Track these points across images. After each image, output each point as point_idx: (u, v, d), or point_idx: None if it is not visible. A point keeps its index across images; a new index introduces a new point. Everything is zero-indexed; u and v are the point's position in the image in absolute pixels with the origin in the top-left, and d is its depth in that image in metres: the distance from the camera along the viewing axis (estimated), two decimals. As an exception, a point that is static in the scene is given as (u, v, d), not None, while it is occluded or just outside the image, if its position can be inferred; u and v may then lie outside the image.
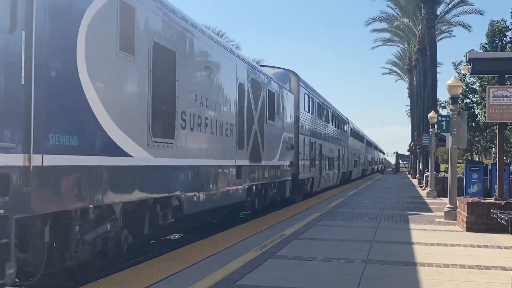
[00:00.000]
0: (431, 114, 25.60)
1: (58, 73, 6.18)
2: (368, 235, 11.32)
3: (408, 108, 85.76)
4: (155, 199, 8.77)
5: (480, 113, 40.97)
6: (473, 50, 33.35)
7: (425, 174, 32.17)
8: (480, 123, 41.30)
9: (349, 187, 33.51)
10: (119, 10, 7.47)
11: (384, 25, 56.42)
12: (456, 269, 8.00)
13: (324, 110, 28.21)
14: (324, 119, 28.13)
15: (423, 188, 31.29)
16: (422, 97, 46.89)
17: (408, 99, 76.30)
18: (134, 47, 7.91)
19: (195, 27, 10.50)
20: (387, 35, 62.56)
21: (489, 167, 20.89)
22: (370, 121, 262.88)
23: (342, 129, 36.64)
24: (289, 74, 21.11)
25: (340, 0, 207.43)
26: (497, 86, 13.25)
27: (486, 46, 40.20)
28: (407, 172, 77.70)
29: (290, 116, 19.13)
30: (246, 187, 13.89)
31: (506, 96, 12.72)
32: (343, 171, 36.03)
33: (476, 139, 48.31)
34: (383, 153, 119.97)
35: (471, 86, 44.59)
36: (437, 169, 29.49)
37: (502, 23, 40.36)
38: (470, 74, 16.51)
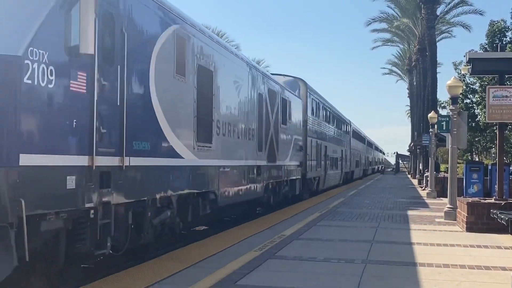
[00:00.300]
0: (431, 114, 25.60)
1: (139, 95, 8.07)
2: (368, 235, 11.32)
3: (408, 108, 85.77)
4: (198, 193, 10.61)
5: (480, 113, 40.94)
6: (473, 50, 33.38)
7: (425, 174, 32.18)
8: (480, 123, 41.28)
9: (351, 186, 33.63)
10: (175, 41, 9.35)
11: (384, 25, 56.46)
12: (456, 269, 8.00)
13: (328, 114, 29.80)
14: (328, 122, 29.75)
15: (423, 188, 31.30)
16: (422, 97, 46.90)
17: (408, 99, 76.34)
18: (185, 70, 9.79)
19: (226, 49, 12.78)
20: (387, 35, 62.61)
21: (489, 167, 20.89)
22: (370, 121, 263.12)
23: (344, 130, 38.16)
24: (298, 81, 22.99)
25: (340, 0, 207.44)
26: (497, 86, 13.25)
27: (486, 46, 40.17)
28: (407, 172, 77.74)
29: (299, 120, 21.03)
30: (264, 184, 15.65)
31: (506, 96, 12.72)
32: (345, 171, 37.51)
33: (476, 139, 48.30)
34: (383, 154, 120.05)
35: (471, 86, 44.57)
36: (437, 169, 29.49)
37: (502, 23, 40.33)
38: (470, 74, 16.52)
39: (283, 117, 17.84)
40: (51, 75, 6.14)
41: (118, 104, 7.36)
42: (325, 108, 28.64)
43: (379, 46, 65.37)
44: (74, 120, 6.51)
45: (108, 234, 7.26)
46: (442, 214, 15.04)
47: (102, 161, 6.99)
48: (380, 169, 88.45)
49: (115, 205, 7.36)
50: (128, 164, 7.57)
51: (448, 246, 10.17)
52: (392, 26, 54.98)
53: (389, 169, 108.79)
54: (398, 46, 69.50)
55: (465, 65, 27.22)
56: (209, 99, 11.08)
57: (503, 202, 12.16)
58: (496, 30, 39.93)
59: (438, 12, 43.84)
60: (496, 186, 13.88)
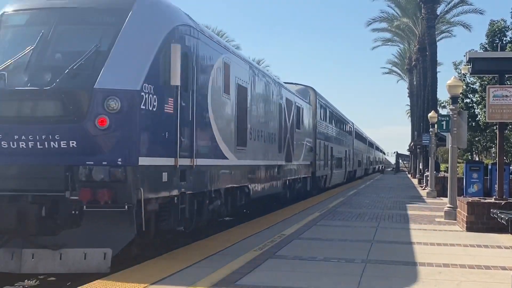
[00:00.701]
0: (431, 114, 25.59)
1: (202, 112, 10.40)
2: (368, 235, 11.32)
3: (408, 108, 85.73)
4: (237, 186, 13.02)
5: (480, 113, 40.94)
6: (473, 50, 33.36)
7: (425, 174, 32.16)
8: (480, 123, 41.28)
9: (352, 185, 33.65)
10: (223, 68, 11.68)
11: (384, 24, 56.42)
12: (456, 269, 8.00)
13: (334, 117, 32.19)
14: (334, 125, 32.11)
15: (423, 188, 31.30)
16: (422, 97, 46.88)
17: (408, 98, 76.32)
18: (229, 89, 12.14)
19: (257, 69, 15.48)
20: (387, 35, 62.56)
21: (489, 167, 20.89)
22: (370, 120, 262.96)
23: (348, 132, 40.35)
24: (308, 89, 25.31)
25: (340, 0, 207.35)
26: (497, 86, 13.24)
27: (486, 46, 40.16)
28: (407, 172, 77.74)
29: (310, 124, 23.54)
30: (282, 181, 18.08)
31: (506, 96, 12.72)
32: (349, 170, 39.80)
33: (476, 139, 48.29)
34: (384, 153, 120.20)
35: (471, 86, 44.57)
36: (437, 169, 29.47)
37: (502, 23, 40.31)
38: (470, 74, 16.53)
39: (297, 122, 20.26)
40: (155, 101, 8.63)
41: (190, 119, 9.74)
42: (331, 112, 30.88)
43: (379, 46, 65.34)
44: (167, 133, 8.98)
45: (183, 215, 9.69)
46: (442, 213, 15.04)
47: (182, 161, 9.35)
48: (380, 168, 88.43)
49: (188, 194, 9.77)
50: (196, 164, 9.96)
51: (448, 246, 10.17)
52: (392, 25, 54.97)
53: (389, 169, 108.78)
54: (398, 46, 69.49)
55: (465, 65, 27.23)
56: (244, 110, 13.47)
57: (503, 202, 12.15)
58: (496, 29, 39.92)
59: (438, 12, 43.80)
60: (496, 186, 13.88)
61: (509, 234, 11.14)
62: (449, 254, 9.22)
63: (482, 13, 45.74)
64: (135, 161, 8.17)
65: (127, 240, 8.11)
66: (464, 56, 34.31)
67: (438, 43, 44.22)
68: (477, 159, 55.36)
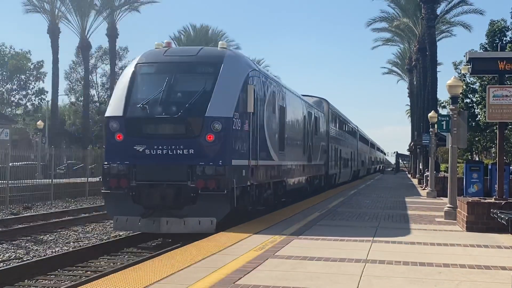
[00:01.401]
0: (431, 114, 25.57)
1: (261, 128, 14.59)
2: (368, 235, 11.32)
3: (408, 108, 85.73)
4: (278, 181, 17.22)
5: (480, 113, 40.89)
6: (473, 50, 33.33)
7: (425, 174, 32.15)
8: (480, 123, 41.23)
9: (356, 183, 33.76)
10: (272, 94, 16.18)
11: (384, 24, 56.44)
12: (456, 268, 7.99)
13: (342, 123, 36.84)
14: (342, 130, 36.71)
15: (423, 188, 31.29)
16: (422, 97, 46.88)
17: (408, 98, 76.30)
18: (275, 109, 16.58)
19: (290, 91, 19.53)
20: (387, 35, 62.59)
21: (489, 167, 20.87)
22: (370, 120, 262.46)
23: (353, 135, 44.43)
24: (323, 101, 29.73)
25: (340, 0, 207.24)
26: (497, 86, 13.23)
27: (486, 46, 40.13)
28: (407, 172, 77.71)
29: (324, 130, 27.89)
30: (305, 177, 22.34)
31: (506, 96, 12.71)
32: (354, 169, 44.43)
33: (476, 138, 48.21)
34: (384, 154, 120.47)
35: (471, 86, 44.54)
36: (437, 169, 29.47)
37: (502, 23, 40.26)
38: (470, 74, 16.50)
39: (315, 129, 24.56)
40: (239, 123, 13.07)
41: (255, 135, 14.04)
42: (340, 119, 35.74)
43: (379, 45, 65.38)
44: (245, 144, 13.46)
45: (252, 199, 14.19)
46: (442, 213, 15.04)
47: (251, 162, 13.76)
48: (380, 168, 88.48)
49: (254, 185, 14.12)
50: (258, 164, 14.25)
51: (448, 246, 10.17)
52: (392, 25, 54.98)
53: (389, 169, 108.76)
54: (399, 46, 69.51)
55: (465, 65, 27.19)
56: (283, 124, 17.62)
57: (503, 202, 12.15)
58: (496, 29, 39.87)
59: (438, 12, 43.84)
60: (496, 186, 13.87)
61: (509, 234, 11.14)
62: (449, 254, 9.21)
63: (482, 13, 45.80)
64: (230, 162, 12.72)
65: (225, 212, 12.58)
66: (464, 56, 34.29)
67: (438, 43, 44.28)
68: (477, 159, 55.31)
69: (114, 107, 13.32)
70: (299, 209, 16.36)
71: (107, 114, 13.54)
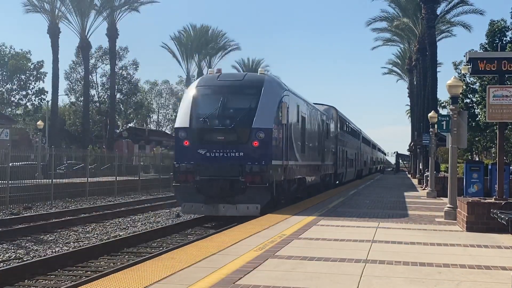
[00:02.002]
0: (431, 114, 25.56)
1: (290, 136, 18.76)
2: (368, 235, 11.32)
3: (408, 108, 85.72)
4: (301, 177, 21.21)
5: (480, 113, 40.88)
6: (473, 50, 33.30)
7: (425, 174, 32.14)
8: (480, 123, 41.22)
9: (356, 184, 33.68)
10: (296, 108, 19.80)
11: (384, 24, 56.44)
12: (456, 269, 7.99)
13: (348, 128, 41.23)
14: (348, 133, 41.00)
15: (423, 188, 31.28)
16: (422, 97, 46.86)
17: (408, 98, 76.30)
18: (298, 119, 20.30)
19: (309, 104, 23.75)
20: (387, 35, 62.60)
21: (489, 167, 20.86)
22: (370, 120, 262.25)
23: (357, 138, 48.49)
24: (331, 109, 33.87)
25: (340, 0, 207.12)
26: (497, 86, 13.22)
27: (486, 46, 40.13)
28: (407, 172, 77.70)
29: (333, 134, 31.79)
30: (320, 175, 26.24)
31: (506, 96, 12.71)
32: (357, 169, 48.30)
33: (476, 139, 48.22)
34: (385, 154, 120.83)
35: (471, 86, 44.53)
36: (437, 169, 29.45)
37: (502, 23, 40.27)
38: (470, 74, 16.49)
39: (326, 133, 28.36)
40: (277, 132, 17.14)
41: (286, 141, 17.99)
42: (346, 124, 40.20)
43: (379, 45, 65.40)
44: (280, 148, 17.39)
45: (284, 191, 18.31)
46: (442, 213, 15.03)
47: (284, 163, 17.82)
48: (380, 168, 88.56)
49: (286, 180, 18.19)
50: (288, 164, 18.29)
51: (448, 246, 10.16)
52: (392, 25, 54.97)
53: (389, 169, 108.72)
54: (399, 46, 69.52)
55: (465, 65, 27.18)
56: (304, 131, 21.45)
57: (503, 202, 12.14)
58: (496, 29, 39.86)
59: (438, 12, 43.82)
60: (496, 186, 13.86)
61: (509, 234, 11.14)
62: (449, 254, 9.21)
63: (482, 13, 45.80)
64: (270, 162, 16.81)
65: (267, 200, 16.62)
66: (464, 56, 34.30)
67: (438, 43, 44.28)
68: (477, 159, 55.31)
69: (182, 120, 17.65)
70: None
71: (176, 125, 18.05)
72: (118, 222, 19.72)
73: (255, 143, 16.73)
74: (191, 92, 18.21)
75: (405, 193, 27.14)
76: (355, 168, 45.15)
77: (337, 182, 34.20)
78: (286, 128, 18.08)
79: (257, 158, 16.67)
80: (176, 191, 17.93)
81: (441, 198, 23.24)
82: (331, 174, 30.86)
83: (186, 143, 17.36)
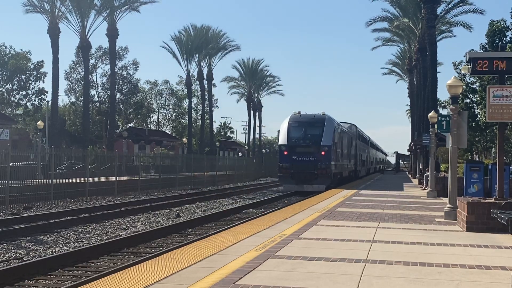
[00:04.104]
0: (431, 114, 25.55)
1: (337, 148, 36.28)
2: (368, 235, 11.32)
3: (408, 108, 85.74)
4: (341, 171, 38.33)
5: (480, 113, 40.91)
6: (473, 50, 33.28)
7: (425, 174, 32.13)
8: (480, 123, 41.26)
9: (357, 184, 33.68)
10: (338, 131, 36.97)
11: (384, 25, 56.45)
12: (456, 269, 7.99)
13: (362, 138, 56.60)
14: (362, 142, 55.49)
15: (423, 188, 31.28)
16: (422, 97, 46.87)
17: (408, 98, 76.29)
18: (340, 138, 37.37)
19: (343, 126, 40.97)
20: (387, 35, 62.61)
21: (489, 167, 20.85)
22: (370, 121, 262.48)
23: (367, 144, 62.68)
24: (353, 126, 49.82)
25: (340, 0, 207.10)
26: (497, 86, 13.22)
27: (486, 46, 40.14)
28: (407, 172, 77.71)
29: (354, 144, 46.31)
30: (348, 171, 41.54)
31: (506, 96, 12.70)
32: (367, 168, 62.82)
33: (476, 139, 48.25)
34: (386, 155, 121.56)
35: (471, 86, 44.54)
36: (437, 169, 29.45)
37: (502, 23, 40.30)
38: (470, 74, 16.49)
39: (350, 144, 43.16)
40: (332, 147, 34.30)
41: (336, 151, 35.13)
42: (361, 136, 55.76)
43: (379, 46, 65.45)
44: (334, 155, 34.90)
45: (336, 178, 35.46)
46: (442, 213, 15.03)
47: (335, 163, 34.97)
48: (380, 168, 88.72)
49: (336, 172, 35.74)
50: (337, 164, 35.64)
51: (448, 246, 10.16)
52: (392, 25, 54.96)
53: (389, 169, 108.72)
54: (399, 46, 69.51)
55: (465, 65, 27.17)
56: (342, 145, 38.01)
57: (503, 202, 12.14)
58: (496, 29, 39.88)
59: (438, 12, 43.80)
60: (496, 186, 13.85)
61: (509, 234, 11.14)
62: (449, 254, 9.21)
63: (482, 13, 45.78)
64: (330, 163, 33.43)
65: (328, 183, 32.81)
66: (464, 56, 34.31)
67: (438, 43, 44.26)
68: (477, 159, 55.33)
69: (282, 140, 34.10)
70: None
71: (280, 143, 34.56)
72: (118, 222, 19.71)
73: (323, 153, 33.34)
74: (285, 124, 34.57)
75: (405, 193, 27.21)
76: (366, 167, 60.98)
77: (357, 176, 49.79)
78: (335, 144, 34.96)
79: (323, 161, 33.23)
80: (280, 178, 35.61)
81: (441, 198, 23.23)
82: (353, 170, 46.21)
83: (285, 152, 33.80)
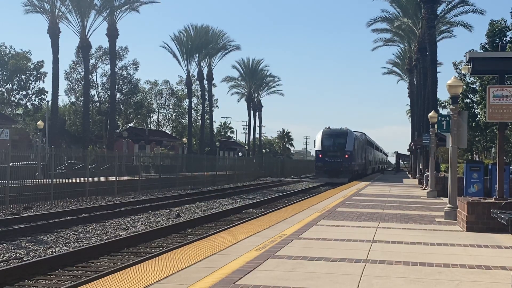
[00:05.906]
0: (431, 114, 25.55)
1: (356, 152, 50.97)
2: (368, 235, 11.32)
3: (408, 108, 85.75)
4: (358, 169, 53.74)
5: (480, 113, 40.91)
6: (473, 50, 33.31)
7: (425, 174, 32.14)
8: (480, 123, 41.26)
9: (356, 183, 33.64)
10: (358, 140, 52.22)
11: (384, 25, 56.47)
12: (456, 268, 7.99)
13: (369, 142, 66.65)
14: (369, 145, 65.56)
15: (423, 188, 31.28)
16: (422, 97, 46.90)
17: (409, 98, 76.31)
18: (357, 145, 50.95)
19: (357, 135, 52.97)
20: (387, 35, 62.62)
21: (489, 167, 20.84)
22: (370, 121, 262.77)
23: (372, 146, 71.70)
24: (363, 134, 60.40)
25: (340, 0, 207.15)
26: (497, 86, 13.21)
27: (486, 46, 40.14)
28: (407, 172, 77.74)
29: (364, 148, 58.96)
30: (360, 168, 54.71)
31: (506, 96, 12.70)
32: (372, 167, 72.25)
33: (476, 139, 48.26)
34: (386, 155, 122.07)
35: (471, 86, 44.54)
36: (437, 169, 29.45)
37: (502, 23, 40.28)
38: (470, 74, 16.49)
39: (362, 148, 55.95)
40: (353, 152, 49.59)
41: (354, 154, 49.11)
42: (368, 140, 65.55)
43: (379, 46, 65.42)
44: (355, 157, 49.73)
45: (355, 174, 50.39)
46: (442, 213, 15.03)
47: (355, 162, 50.02)
48: (380, 168, 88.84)
49: (355, 169, 50.42)
50: (356, 163, 50.28)
51: (448, 246, 10.16)
52: (392, 26, 54.97)
53: (389, 169, 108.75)
54: (399, 46, 69.50)
55: (465, 65, 27.17)
56: (358, 149, 52.13)
57: (503, 202, 12.14)
58: (496, 29, 39.86)
59: (438, 12, 43.80)
60: (497, 186, 13.85)
61: (509, 234, 11.14)
62: (449, 254, 9.21)
63: (482, 13, 45.78)
64: (351, 163, 48.03)
65: (350, 177, 46.87)
66: (464, 56, 34.28)
67: (438, 43, 44.29)
68: (477, 159, 55.32)
69: (318, 146, 48.20)
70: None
71: (316, 149, 48.99)
72: (118, 222, 19.72)
73: (346, 156, 46.60)
74: (319, 135, 47.94)
75: (405, 193, 27.22)
76: (372, 166, 70.97)
77: (366, 173, 60.15)
78: (354, 149, 47.78)
79: (347, 161, 46.49)
80: (316, 173, 50.12)
81: (441, 198, 23.23)
82: (364, 168, 57.92)
83: (320, 155, 47.39)
